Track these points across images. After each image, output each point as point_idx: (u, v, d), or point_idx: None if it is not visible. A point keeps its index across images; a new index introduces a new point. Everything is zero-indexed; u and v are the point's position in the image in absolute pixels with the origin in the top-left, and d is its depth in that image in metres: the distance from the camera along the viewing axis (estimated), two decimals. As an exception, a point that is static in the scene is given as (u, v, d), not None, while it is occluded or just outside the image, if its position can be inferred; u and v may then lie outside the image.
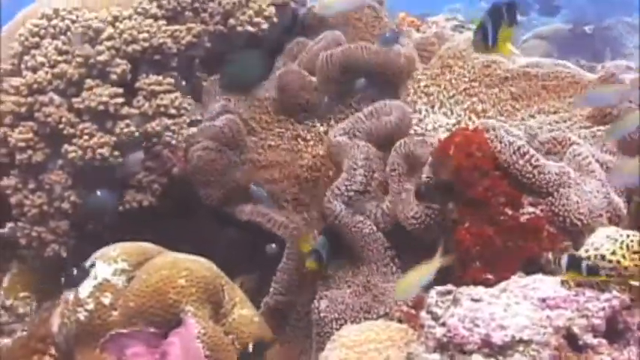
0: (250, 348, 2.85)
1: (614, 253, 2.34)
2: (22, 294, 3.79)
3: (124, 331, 2.73)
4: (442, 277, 2.75)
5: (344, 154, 3.14)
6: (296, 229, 3.25)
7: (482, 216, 2.69)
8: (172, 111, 3.60)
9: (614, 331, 2.29)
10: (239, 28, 3.85)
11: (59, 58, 3.57)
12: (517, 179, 2.72)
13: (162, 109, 3.59)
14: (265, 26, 3.89)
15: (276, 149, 3.55)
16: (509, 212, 2.68)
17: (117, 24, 3.65)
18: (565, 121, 3.40)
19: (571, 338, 2.24)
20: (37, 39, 3.67)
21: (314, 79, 3.60)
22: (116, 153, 3.47)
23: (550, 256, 2.60)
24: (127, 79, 3.62)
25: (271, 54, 4.02)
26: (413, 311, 2.75)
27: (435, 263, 2.57)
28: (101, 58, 3.54)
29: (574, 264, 2.38)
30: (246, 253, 3.52)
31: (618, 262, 2.33)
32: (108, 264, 2.86)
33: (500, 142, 2.74)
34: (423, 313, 2.55)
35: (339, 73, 3.54)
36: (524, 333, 2.19)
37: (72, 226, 3.62)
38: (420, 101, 3.67)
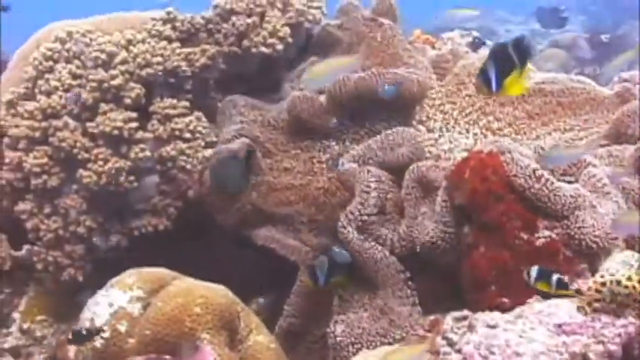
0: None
1: (629, 278, 2.31)
2: (39, 317, 3.79)
3: (140, 358, 2.72)
4: (458, 300, 2.77)
5: (355, 180, 3.13)
6: (309, 252, 3.23)
7: (497, 240, 2.68)
8: (187, 135, 3.60)
9: (630, 358, 2.27)
10: (253, 50, 3.84)
11: (73, 82, 3.57)
12: (532, 203, 2.71)
13: (177, 132, 3.60)
14: (280, 47, 3.87)
15: (291, 171, 3.52)
16: (525, 236, 2.68)
17: (130, 47, 3.65)
18: (581, 139, 3.38)
19: (587, 364, 2.22)
20: (50, 63, 3.67)
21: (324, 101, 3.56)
22: (131, 178, 3.47)
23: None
24: (142, 103, 3.61)
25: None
26: (429, 335, 2.74)
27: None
28: (115, 82, 3.53)
29: (544, 276, 2.43)
30: (264, 275, 3.51)
31: (634, 287, 2.30)
32: (124, 291, 2.86)
33: (516, 165, 2.72)
34: (438, 339, 2.54)
35: (351, 102, 3.50)
36: (540, 359, 2.18)
37: (88, 250, 3.61)
38: (435, 120, 3.65)
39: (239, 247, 3.59)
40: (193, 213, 3.62)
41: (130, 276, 2.92)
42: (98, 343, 2.78)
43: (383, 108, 3.49)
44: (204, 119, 3.69)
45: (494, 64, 2.48)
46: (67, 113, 3.54)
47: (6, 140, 3.64)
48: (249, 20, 3.84)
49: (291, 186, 3.46)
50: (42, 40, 3.87)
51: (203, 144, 3.63)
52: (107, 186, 3.46)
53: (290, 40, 3.92)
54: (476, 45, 4.16)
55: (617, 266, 2.40)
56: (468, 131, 3.60)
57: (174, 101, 3.64)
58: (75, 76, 3.59)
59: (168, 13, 3.77)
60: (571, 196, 2.70)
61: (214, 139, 3.71)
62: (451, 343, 2.51)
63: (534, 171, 2.71)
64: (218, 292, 2.83)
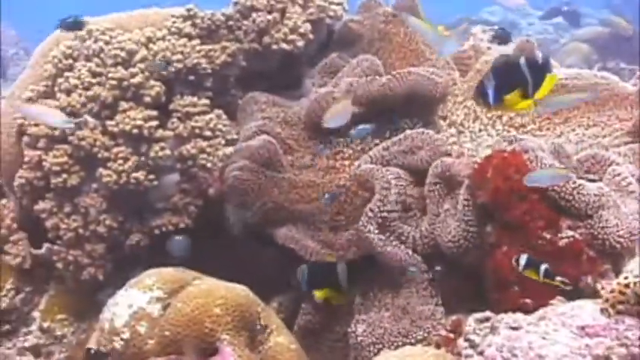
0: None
1: (654, 280, 2.28)
2: (59, 316, 3.80)
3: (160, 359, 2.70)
4: (480, 300, 2.75)
5: (374, 179, 3.10)
6: (327, 255, 3.21)
7: (520, 240, 2.65)
8: (207, 133, 3.58)
9: (653, 361, 2.23)
10: (274, 46, 3.82)
11: (93, 81, 3.56)
12: (555, 202, 2.67)
13: (197, 130, 3.57)
14: (301, 43, 3.85)
15: (312, 168, 3.48)
16: (548, 236, 2.65)
17: (150, 45, 3.64)
18: (604, 137, 3.33)
19: (610, 367, 2.19)
20: (70, 61, 3.66)
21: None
22: (151, 177, 3.45)
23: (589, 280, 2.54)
24: (162, 101, 3.59)
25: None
26: (451, 335, 2.72)
27: None
28: (135, 80, 3.52)
29: (532, 265, 2.42)
30: (285, 273, 3.47)
31: (659, 289, 2.28)
32: (143, 292, 2.84)
33: (540, 164, 2.69)
34: (460, 341, 2.52)
35: (373, 104, 3.48)
36: (563, 362, 2.16)
37: (108, 249, 3.59)
38: (457, 115, 3.61)
39: (260, 245, 3.55)
40: (214, 211, 3.58)
41: (149, 276, 2.89)
42: (117, 344, 2.76)
43: (404, 109, 3.45)
44: (224, 117, 3.67)
45: (495, 79, 2.52)
46: (86, 112, 3.51)
47: (25, 139, 3.63)
48: (269, 17, 3.82)
49: (313, 183, 3.42)
50: (62, 38, 3.85)
51: (223, 142, 3.61)
52: (126, 185, 3.42)
53: (311, 36, 3.89)
54: (501, 39, 4.10)
55: (640, 267, 2.38)
56: (491, 127, 3.55)
57: (195, 99, 3.62)
58: (95, 74, 3.57)
59: (189, 10, 3.75)
60: (595, 195, 2.67)
61: (235, 136, 3.68)
62: (473, 345, 2.50)
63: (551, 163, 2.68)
64: (238, 293, 2.81)
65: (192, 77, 3.68)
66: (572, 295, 2.55)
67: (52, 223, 3.59)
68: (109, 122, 3.50)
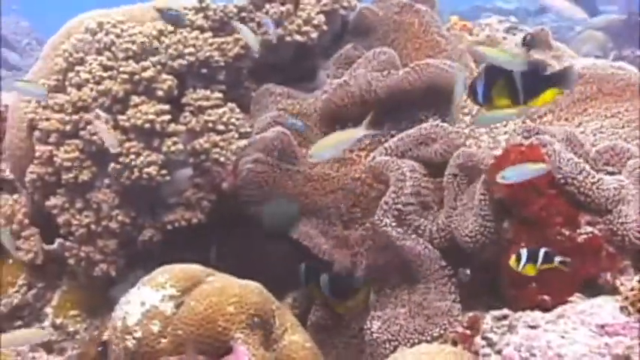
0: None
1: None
2: (71, 312, 3.78)
3: (173, 359, 2.67)
4: (497, 296, 2.74)
5: (389, 171, 3.07)
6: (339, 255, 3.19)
7: (538, 236, 2.62)
8: (220, 127, 3.52)
9: (675, 359, 2.19)
10: (288, 38, 3.79)
11: (104, 75, 3.51)
12: (574, 197, 2.63)
13: (210, 124, 3.52)
14: (315, 35, 3.82)
15: (328, 161, 3.44)
16: (566, 232, 2.61)
17: (162, 38, 3.59)
18: (623, 127, 3.28)
19: (630, 367, 2.16)
20: (81, 55, 3.61)
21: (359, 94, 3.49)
22: (163, 172, 3.40)
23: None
24: (174, 95, 3.55)
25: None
26: (468, 332, 2.69)
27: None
28: (146, 74, 3.47)
29: (532, 256, 2.43)
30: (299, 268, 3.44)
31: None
32: (156, 290, 2.80)
33: (558, 157, 2.64)
34: (477, 339, 2.50)
35: (388, 101, 3.44)
36: (582, 362, 2.13)
37: (120, 244, 3.56)
38: (474, 107, 3.56)
39: (273, 240, 3.51)
40: (227, 206, 3.54)
41: (162, 274, 2.85)
42: (130, 342, 2.73)
43: (423, 101, 3.40)
44: (237, 110, 3.61)
45: (485, 78, 2.57)
46: (98, 106, 3.47)
47: (36, 133, 3.59)
48: (282, 8, 3.79)
49: (328, 176, 3.39)
50: (73, 31, 3.81)
51: (237, 136, 3.55)
52: (139, 180, 3.39)
53: (325, 27, 3.86)
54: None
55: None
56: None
57: (208, 92, 3.57)
58: (106, 68, 3.53)
59: (201, 1, 3.70)
60: (614, 188, 2.63)
61: (248, 129, 3.63)
62: (491, 344, 2.48)
63: (576, 164, 2.63)
64: (252, 291, 2.77)
65: (204, 70, 3.64)
66: (592, 291, 2.54)
67: (64, 219, 3.55)
68: (120, 117, 3.45)
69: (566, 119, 3.44)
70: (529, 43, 3.86)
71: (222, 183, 3.54)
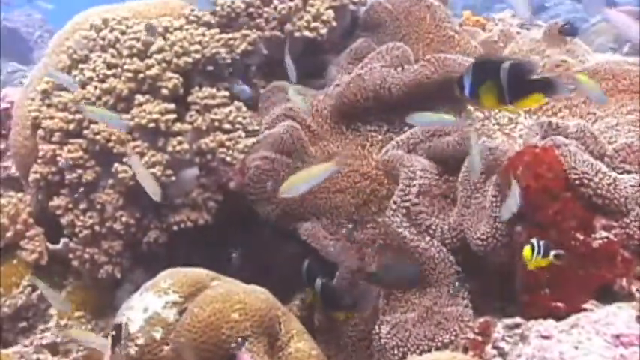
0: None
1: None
2: (77, 313, 3.71)
3: (176, 366, 2.62)
4: (509, 300, 2.67)
5: (401, 166, 3.00)
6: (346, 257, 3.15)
7: (551, 240, 2.50)
8: (227, 126, 3.45)
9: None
10: (296, 34, 3.72)
11: (108, 72, 3.45)
12: (589, 200, 2.55)
13: (216, 123, 3.44)
14: (324, 31, 3.74)
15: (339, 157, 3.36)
16: (581, 237, 2.52)
17: (167, 35, 3.51)
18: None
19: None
20: (85, 52, 3.55)
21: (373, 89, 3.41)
22: (168, 172, 3.33)
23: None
24: (179, 93, 3.47)
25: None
26: (479, 338, 2.62)
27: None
28: (151, 72, 3.40)
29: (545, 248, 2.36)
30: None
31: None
32: (158, 296, 2.74)
33: (573, 158, 2.57)
34: (488, 348, 2.44)
35: (401, 97, 3.37)
36: (596, 373, 2.06)
37: (125, 246, 3.49)
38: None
39: (282, 240, 3.47)
40: (234, 205, 3.48)
41: (165, 279, 2.79)
42: (132, 349, 2.67)
43: (438, 95, 3.33)
44: (244, 109, 3.55)
45: (472, 74, 2.54)
46: (102, 105, 3.41)
47: (40, 132, 3.53)
48: (291, 3, 3.72)
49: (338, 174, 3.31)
50: (78, 27, 3.75)
51: (244, 135, 3.48)
52: (143, 181, 3.32)
53: (334, 23, 3.78)
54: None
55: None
56: (524, 116, 3.43)
57: (214, 91, 3.50)
58: (110, 66, 3.46)
59: (208, -4, 3.63)
60: (631, 187, 2.57)
61: (256, 127, 3.57)
62: (502, 354, 2.43)
63: (592, 165, 2.57)
64: (257, 296, 2.70)
65: (211, 67, 3.57)
66: (607, 298, 2.47)
67: (68, 220, 3.49)
68: (124, 116, 3.38)
69: (582, 116, 3.37)
70: (567, 32, 3.77)
71: (229, 182, 3.47)
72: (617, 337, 2.19)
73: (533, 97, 2.53)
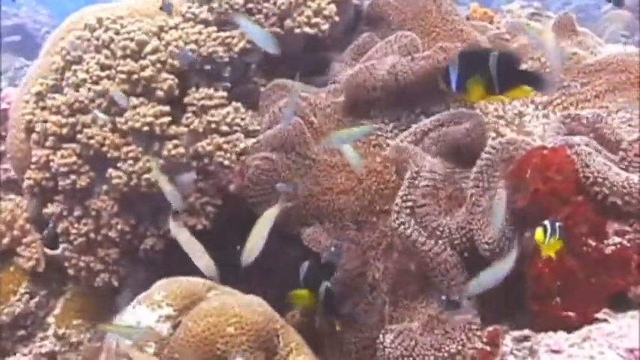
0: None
1: None
2: (75, 322, 3.63)
3: (170, 383, 2.52)
4: (519, 308, 2.56)
5: (408, 164, 2.89)
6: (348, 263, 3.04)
7: (563, 247, 2.37)
8: (224, 128, 3.33)
9: None
10: (297, 30, 3.61)
11: (102, 74, 3.34)
12: (602, 203, 2.43)
13: (213, 125, 3.33)
14: (325, 27, 3.64)
15: (343, 156, 3.24)
16: (593, 243, 2.40)
17: (162, 35, 3.40)
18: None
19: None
20: (79, 52, 3.45)
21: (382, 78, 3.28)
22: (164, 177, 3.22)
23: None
24: (175, 95, 3.36)
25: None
26: (488, 348, 2.53)
27: None
28: (145, 73, 3.29)
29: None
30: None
31: None
32: (152, 309, 2.65)
33: (585, 158, 2.46)
34: (497, 361, 2.33)
35: (412, 86, 3.23)
36: (610, 390, 1.96)
37: (122, 253, 3.40)
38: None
39: (284, 244, 3.32)
40: (234, 208, 3.37)
41: (158, 291, 2.71)
42: (125, 366, 2.57)
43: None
44: (242, 110, 3.44)
45: (460, 66, 2.52)
46: (96, 107, 3.30)
47: (34, 136, 3.44)
48: (291, -2, 3.59)
49: (342, 170, 3.23)
50: (73, 26, 3.66)
51: (242, 137, 3.37)
52: (137, 188, 3.22)
53: (336, 18, 3.68)
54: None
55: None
56: (537, 108, 3.31)
57: (211, 91, 3.38)
58: (103, 67, 3.36)
59: (205, -8, 3.52)
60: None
61: (257, 127, 3.46)
62: (511, 369, 2.31)
63: (605, 164, 2.46)
64: (254, 309, 2.60)
65: (208, 67, 3.45)
66: (620, 306, 2.35)
67: (62, 227, 3.41)
68: (118, 119, 3.27)
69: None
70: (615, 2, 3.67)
71: (229, 185, 3.36)
72: (632, 351, 2.09)
73: (522, 90, 2.55)
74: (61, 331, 3.61)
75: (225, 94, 3.43)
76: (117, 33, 3.40)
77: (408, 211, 2.79)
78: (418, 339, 2.69)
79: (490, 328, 2.59)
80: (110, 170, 3.26)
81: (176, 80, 3.35)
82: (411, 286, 2.87)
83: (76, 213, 3.38)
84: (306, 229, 3.18)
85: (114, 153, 3.26)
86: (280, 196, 3.12)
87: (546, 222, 2.28)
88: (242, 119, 3.40)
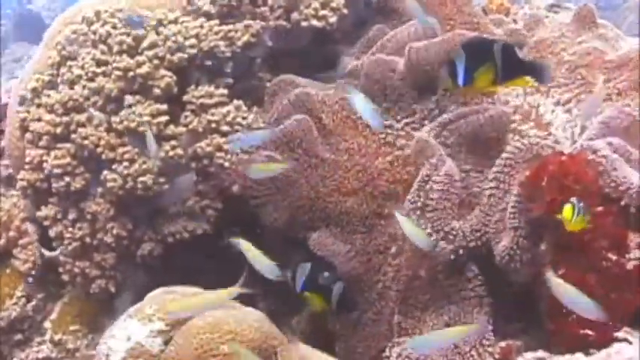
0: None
1: None
2: (71, 327, 3.50)
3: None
4: (533, 320, 2.48)
5: (425, 157, 2.82)
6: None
7: (581, 261, 2.33)
8: (225, 127, 3.18)
9: None
10: (304, 23, 3.47)
11: (97, 70, 3.19)
12: (624, 214, 2.32)
13: (213, 125, 3.18)
14: (334, 19, 3.50)
15: (353, 154, 3.12)
16: (614, 257, 2.31)
17: (161, 29, 3.24)
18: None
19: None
20: (75, 47, 3.30)
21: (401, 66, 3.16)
22: (161, 180, 3.08)
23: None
24: (173, 92, 3.21)
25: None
26: (500, 365, 2.42)
27: None
28: (142, 70, 3.14)
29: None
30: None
31: None
32: (142, 323, 2.52)
33: (608, 165, 2.36)
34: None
35: (432, 69, 3.08)
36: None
37: (119, 258, 3.27)
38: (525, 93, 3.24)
39: (289, 248, 3.18)
40: (237, 211, 3.24)
41: (150, 304, 2.57)
42: (112, 385, 2.44)
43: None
44: (244, 108, 3.28)
45: (465, 58, 2.40)
46: (91, 105, 3.16)
47: (28, 135, 3.30)
48: (298, -10, 3.46)
49: (352, 168, 3.08)
50: (70, 19, 3.54)
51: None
52: (133, 191, 3.08)
53: (345, 11, 3.54)
54: None
55: None
56: (559, 104, 3.18)
57: (211, 89, 3.24)
58: (99, 63, 3.22)
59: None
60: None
61: (262, 125, 3.32)
62: (524, 394, 2.18)
63: (631, 172, 2.36)
64: (250, 325, 2.45)
65: (209, 62, 3.31)
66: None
67: (56, 231, 3.27)
68: (113, 118, 3.12)
69: (610, 99, 3.12)
70: None
71: (231, 186, 3.22)
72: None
73: (522, 80, 2.48)
74: (57, 337, 3.50)
75: (226, 91, 3.28)
76: (114, 27, 3.26)
77: (418, 212, 2.69)
78: (425, 354, 2.57)
79: (503, 344, 2.51)
80: (105, 172, 3.12)
81: (174, 77, 3.20)
82: (421, 295, 2.75)
83: (71, 216, 3.25)
84: (312, 233, 3.05)
85: (109, 154, 3.12)
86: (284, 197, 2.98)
87: (574, 199, 2.19)
88: (244, 118, 3.25)
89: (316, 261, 2.89)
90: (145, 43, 3.20)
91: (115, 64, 3.17)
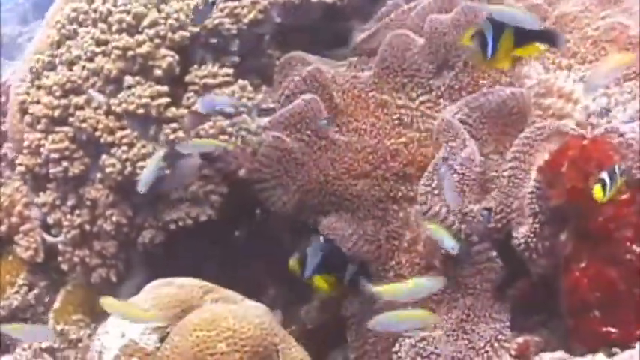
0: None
1: None
2: (74, 317, 3.40)
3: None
4: (552, 313, 2.42)
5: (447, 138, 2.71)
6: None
7: (602, 253, 2.24)
8: (229, 109, 3.04)
9: None
10: (314, -1, 3.36)
11: (97, 50, 3.07)
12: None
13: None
14: (345, -6, 3.40)
15: (364, 135, 3.02)
16: (638, 249, 2.18)
17: (162, 6, 3.11)
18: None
19: None
20: (75, 26, 3.18)
21: (421, 41, 3.07)
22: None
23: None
24: (175, 73, 3.09)
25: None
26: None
27: None
28: (142, 49, 3.00)
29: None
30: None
31: None
32: (137, 319, 2.38)
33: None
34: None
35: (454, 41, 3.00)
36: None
37: (121, 246, 3.15)
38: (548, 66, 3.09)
39: (297, 235, 3.11)
40: (243, 196, 3.12)
41: (146, 299, 2.47)
42: (103, 385, 2.34)
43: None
44: (249, 88, 3.16)
45: (493, 30, 2.40)
46: (90, 87, 3.03)
47: (27, 118, 3.18)
48: (307, -37, 3.36)
49: (363, 150, 2.98)
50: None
51: (249, 119, 3.10)
52: (132, 177, 2.95)
53: (357, -16, 3.43)
54: None
55: None
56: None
57: (215, 69, 3.12)
58: (99, 43, 3.08)
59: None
60: None
61: (271, 105, 3.23)
62: (543, 396, 2.07)
63: None
64: (250, 321, 2.33)
65: (214, 40, 3.19)
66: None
67: (55, 218, 3.16)
68: (112, 100, 2.99)
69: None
70: None
71: (239, 170, 3.10)
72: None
73: (534, 47, 2.49)
74: (59, 327, 3.40)
75: (230, 71, 3.16)
76: (115, 5, 3.12)
77: (430, 196, 2.61)
78: (437, 350, 2.50)
79: (520, 340, 2.43)
80: (103, 157, 3.00)
81: (177, 57, 3.07)
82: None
83: (70, 203, 3.13)
84: (322, 218, 2.95)
85: (108, 138, 2.99)
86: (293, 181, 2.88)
87: (604, 175, 2.05)
88: (249, 98, 3.12)
89: (327, 244, 2.79)
90: (145, 22, 3.07)
91: (114, 44, 3.04)
